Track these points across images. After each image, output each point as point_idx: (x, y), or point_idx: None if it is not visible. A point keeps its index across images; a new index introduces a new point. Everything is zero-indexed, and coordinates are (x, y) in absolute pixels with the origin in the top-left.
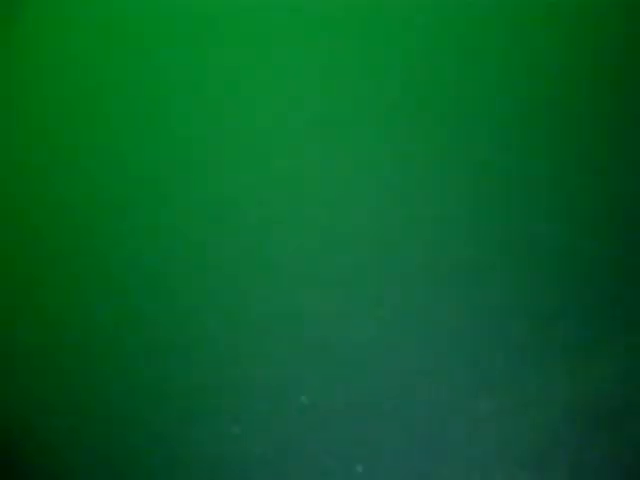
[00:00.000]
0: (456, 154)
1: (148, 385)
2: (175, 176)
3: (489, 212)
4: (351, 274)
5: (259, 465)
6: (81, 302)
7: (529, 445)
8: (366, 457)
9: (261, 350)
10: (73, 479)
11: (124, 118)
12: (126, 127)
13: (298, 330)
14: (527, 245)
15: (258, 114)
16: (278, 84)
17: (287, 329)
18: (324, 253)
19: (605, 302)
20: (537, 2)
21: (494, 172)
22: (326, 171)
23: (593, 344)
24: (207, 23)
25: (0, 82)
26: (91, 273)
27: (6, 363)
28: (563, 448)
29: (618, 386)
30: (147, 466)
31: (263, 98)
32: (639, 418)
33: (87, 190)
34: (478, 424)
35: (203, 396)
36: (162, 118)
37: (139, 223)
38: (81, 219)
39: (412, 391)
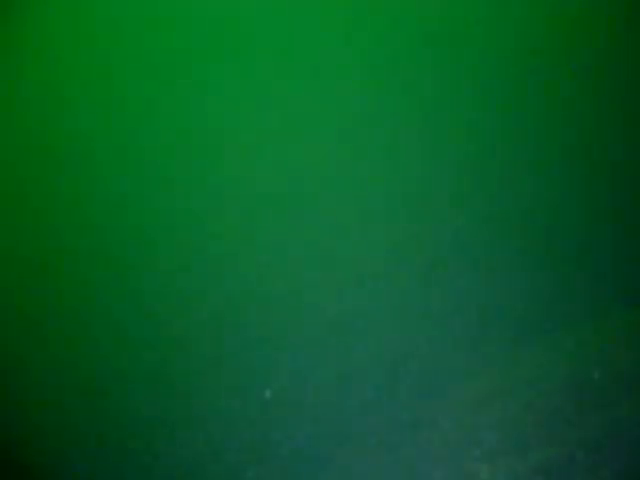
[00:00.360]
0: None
1: (145, 384)
2: (175, 172)
3: (480, 190)
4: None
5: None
6: (77, 300)
7: (530, 426)
8: (358, 443)
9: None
10: (73, 479)
11: (124, 117)
12: (126, 125)
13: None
14: (523, 223)
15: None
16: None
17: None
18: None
19: (604, 277)
20: None
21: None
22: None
23: (593, 319)
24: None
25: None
26: (95, 272)
27: (6, 363)
28: (564, 427)
29: (619, 363)
30: (145, 465)
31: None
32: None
33: (89, 190)
34: (472, 407)
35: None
36: (161, 115)
37: (138, 225)
38: (88, 216)
39: (400, 376)
